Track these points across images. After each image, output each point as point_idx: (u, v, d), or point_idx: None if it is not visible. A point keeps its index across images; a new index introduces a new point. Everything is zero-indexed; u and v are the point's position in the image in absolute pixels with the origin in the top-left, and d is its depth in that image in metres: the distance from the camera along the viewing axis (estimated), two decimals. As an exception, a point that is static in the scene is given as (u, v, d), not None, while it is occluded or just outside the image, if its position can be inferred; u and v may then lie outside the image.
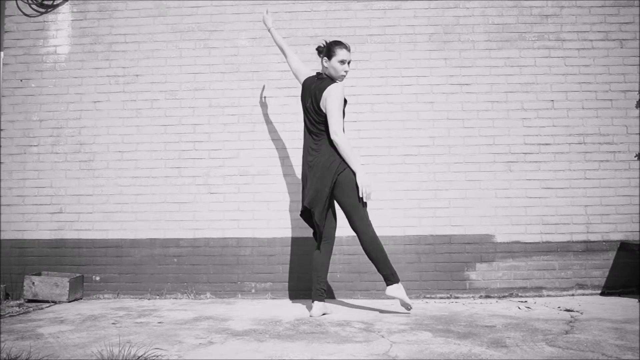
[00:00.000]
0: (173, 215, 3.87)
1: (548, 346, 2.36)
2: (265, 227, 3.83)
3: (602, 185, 3.76)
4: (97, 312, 3.28)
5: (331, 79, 3.09)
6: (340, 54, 3.05)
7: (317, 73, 3.19)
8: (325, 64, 3.10)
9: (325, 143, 3.05)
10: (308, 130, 3.15)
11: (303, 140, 3.22)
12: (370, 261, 3.08)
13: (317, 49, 3.20)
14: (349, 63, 3.10)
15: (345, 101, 3.10)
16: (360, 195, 2.98)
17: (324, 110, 3.03)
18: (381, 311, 3.20)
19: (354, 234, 3.13)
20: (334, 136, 2.98)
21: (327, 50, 3.09)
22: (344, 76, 3.12)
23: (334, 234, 3.22)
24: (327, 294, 3.33)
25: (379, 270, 3.05)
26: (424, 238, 3.75)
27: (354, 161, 3.00)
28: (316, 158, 3.05)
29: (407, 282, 3.68)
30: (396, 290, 3.03)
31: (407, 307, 3.09)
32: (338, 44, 3.09)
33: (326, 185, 3.00)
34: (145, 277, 3.84)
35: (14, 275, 3.83)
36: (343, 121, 3.07)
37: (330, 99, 2.99)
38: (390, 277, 3.03)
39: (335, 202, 3.19)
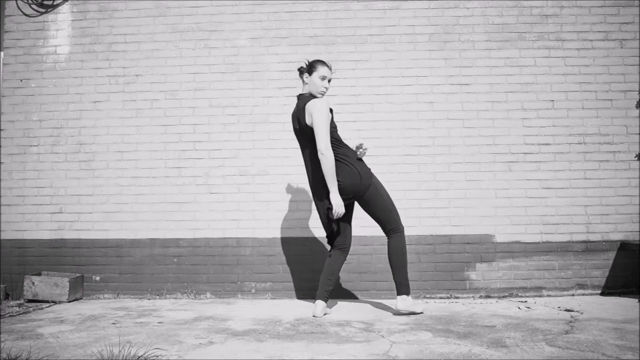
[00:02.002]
0: (173, 215, 3.87)
1: (548, 346, 2.36)
2: (265, 227, 3.83)
3: (602, 185, 3.76)
4: (97, 312, 3.28)
5: (311, 96, 3.04)
6: (322, 70, 3.02)
7: (297, 95, 3.13)
8: (305, 80, 3.06)
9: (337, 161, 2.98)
10: (312, 154, 3.03)
11: (309, 169, 3.09)
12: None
13: (298, 69, 3.12)
14: (329, 81, 3.07)
15: (331, 110, 3.02)
16: (331, 216, 2.95)
17: (310, 126, 2.94)
18: (381, 311, 3.20)
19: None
20: (324, 151, 2.86)
21: (308, 67, 3.07)
22: (324, 93, 3.04)
23: (350, 245, 3.19)
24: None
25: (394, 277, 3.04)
26: (424, 238, 3.75)
27: (333, 181, 2.91)
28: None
29: (407, 282, 3.68)
30: (402, 301, 3.01)
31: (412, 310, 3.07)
32: (320, 61, 3.07)
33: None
34: (145, 277, 3.84)
35: (14, 275, 3.83)
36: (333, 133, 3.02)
37: (316, 112, 2.90)
38: (401, 288, 3.02)
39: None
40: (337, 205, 2.91)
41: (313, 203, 3.80)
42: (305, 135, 3.02)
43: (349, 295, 3.73)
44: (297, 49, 3.93)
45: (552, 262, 3.72)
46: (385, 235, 3.11)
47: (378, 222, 3.10)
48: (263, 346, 2.42)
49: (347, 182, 2.96)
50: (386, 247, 3.09)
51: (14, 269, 3.85)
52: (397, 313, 3.07)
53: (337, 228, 3.11)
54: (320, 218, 3.11)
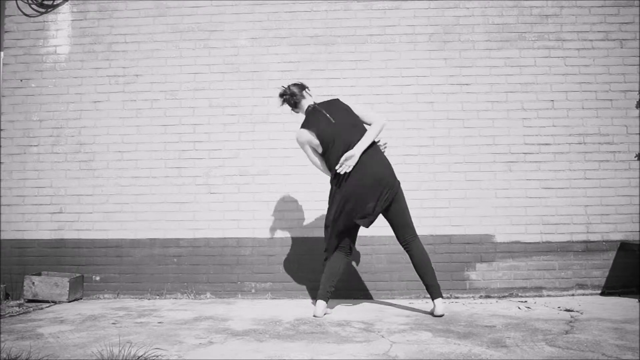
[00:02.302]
0: (173, 215, 3.87)
1: (548, 346, 2.36)
2: (265, 227, 3.83)
3: (602, 185, 3.76)
4: (97, 312, 3.28)
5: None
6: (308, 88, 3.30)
7: (314, 105, 3.18)
8: (309, 93, 3.24)
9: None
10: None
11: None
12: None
13: (280, 95, 3.22)
14: None
15: None
16: (342, 160, 2.98)
17: (358, 113, 3.13)
18: (381, 311, 3.21)
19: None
20: (385, 120, 3.09)
21: (302, 85, 3.23)
22: None
23: (352, 251, 3.22)
24: (327, 294, 3.34)
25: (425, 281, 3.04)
26: (424, 238, 3.72)
27: (370, 142, 3.03)
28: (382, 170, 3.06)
29: (407, 282, 3.68)
30: (441, 304, 3.02)
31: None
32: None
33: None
34: (145, 277, 3.84)
35: (14, 275, 3.83)
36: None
37: (354, 102, 3.19)
38: (437, 291, 3.03)
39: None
40: (355, 155, 2.96)
41: (312, 203, 3.80)
42: (356, 125, 3.09)
43: (349, 295, 3.73)
44: (297, 49, 3.93)
45: (552, 262, 3.72)
46: (401, 241, 3.10)
47: (399, 227, 3.08)
48: (263, 346, 2.43)
49: (387, 172, 3.05)
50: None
51: (14, 269, 3.85)
52: (438, 316, 3.01)
53: (348, 237, 3.13)
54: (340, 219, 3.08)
